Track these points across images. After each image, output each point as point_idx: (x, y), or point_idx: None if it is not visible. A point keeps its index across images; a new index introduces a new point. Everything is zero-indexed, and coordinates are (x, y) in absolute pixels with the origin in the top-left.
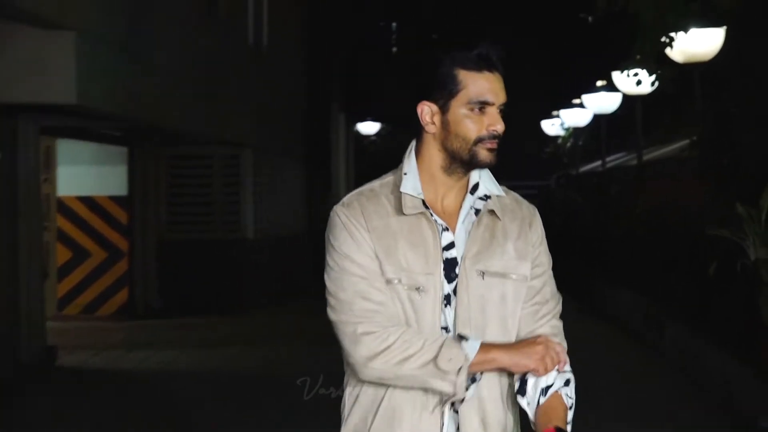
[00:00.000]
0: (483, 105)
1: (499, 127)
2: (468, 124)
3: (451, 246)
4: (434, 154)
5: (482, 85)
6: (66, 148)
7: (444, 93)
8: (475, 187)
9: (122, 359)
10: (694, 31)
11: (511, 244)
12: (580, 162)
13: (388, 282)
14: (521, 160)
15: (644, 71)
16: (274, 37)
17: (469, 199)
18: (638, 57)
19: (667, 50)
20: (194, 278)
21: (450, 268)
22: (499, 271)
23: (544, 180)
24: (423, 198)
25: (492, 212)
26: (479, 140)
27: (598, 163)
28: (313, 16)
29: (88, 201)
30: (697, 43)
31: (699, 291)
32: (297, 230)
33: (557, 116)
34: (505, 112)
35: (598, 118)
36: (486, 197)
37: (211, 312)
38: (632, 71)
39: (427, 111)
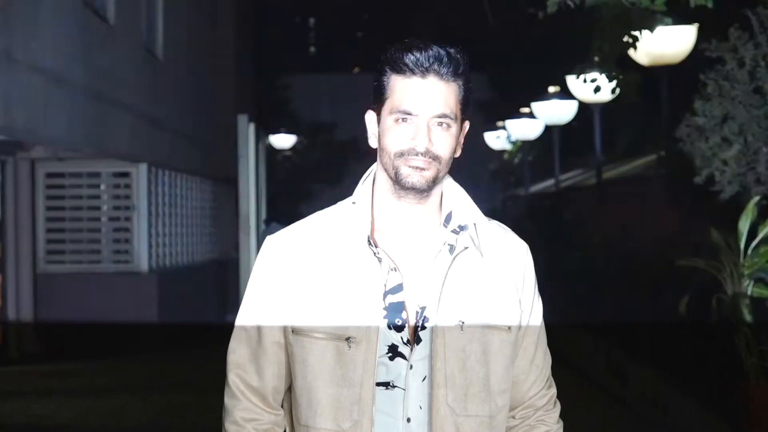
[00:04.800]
0: (405, 115)
1: (419, 142)
2: (390, 136)
3: (398, 289)
4: (381, 174)
5: (406, 92)
6: None
7: (378, 100)
8: (449, 217)
9: None
10: (661, 30)
11: (495, 288)
12: (529, 181)
13: (299, 333)
14: (460, 178)
15: (604, 76)
16: (172, 37)
17: (443, 233)
18: (597, 59)
19: (630, 51)
20: (77, 317)
21: (396, 313)
22: (482, 320)
23: (488, 202)
24: (369, 233)
25: (471, 249)
26: (400, 155)
27: (551, 182)
28: (215, 13)
29: None
30: (664, 44)
31: (668, 331)
32: (200, 260)
33: (503, 128)
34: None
35: (550, 130)
36: (460, 229)
37: (97, 357)
38: (590, 76)
39: (369, 120)
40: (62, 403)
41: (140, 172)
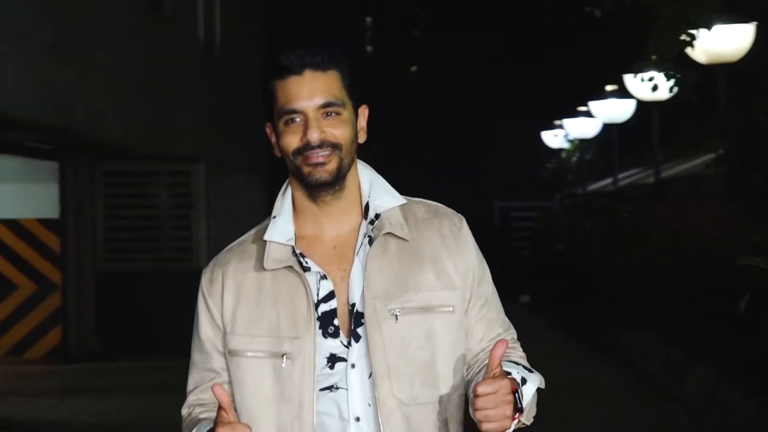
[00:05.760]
0: (292, 115)
1: (311, 136)
2: (284, 138)
3: (330, 297)
4: (293, 182)
5: (285, 93)
6: None
7: (269, 110)
8: (368, 207)
9: (54, 409)
10: (718, 28)
11: (430, 270)
12: (587, 180)
13: (234, 354)
14: (517, 178)
15: (661, 74)
16: (228, 36)
17: (363, 227)
18: (654, 58)
19: (688, 50)
20: (138, 315)
21: (329, 321)
22: (420, 305)
23: (546, 201)
24: (293, 245)
25: (392, 234)
26: (298, 152)
27: (609, 180)
28: (272, 12)
29: (12, 225)
30: (722, 42)
31: (728, 330)
32: None
33: (560, 126)
34: (336, 112)
35: (608, 129)
36: (377, 217)
37: (157, 354)
38: (647, 74)
39: (269, 133)
40: (124, 400)
41: (199, 171)
